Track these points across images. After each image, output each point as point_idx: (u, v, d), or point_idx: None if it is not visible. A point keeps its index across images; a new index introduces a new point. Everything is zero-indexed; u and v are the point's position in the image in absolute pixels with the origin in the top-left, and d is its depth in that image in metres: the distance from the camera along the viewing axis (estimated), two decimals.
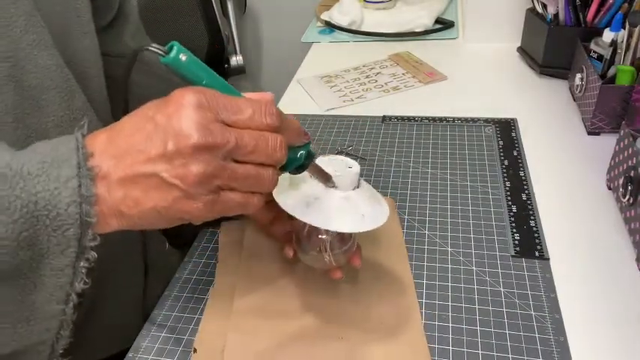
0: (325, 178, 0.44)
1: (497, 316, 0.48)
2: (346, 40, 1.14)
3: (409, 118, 0.81)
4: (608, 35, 0.74)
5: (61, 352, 0.39)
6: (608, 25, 0.76)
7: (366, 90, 0.92)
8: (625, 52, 0.70)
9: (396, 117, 0.81)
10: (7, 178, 0.32)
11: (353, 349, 0.46)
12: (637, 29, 0.68)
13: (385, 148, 0.74)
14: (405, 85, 0.92)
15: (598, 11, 0.80)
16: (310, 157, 0.42)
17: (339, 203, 0.44)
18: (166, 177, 0.33)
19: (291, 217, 0.44)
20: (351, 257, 0.49)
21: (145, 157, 0.34)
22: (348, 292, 0.51)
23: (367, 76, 0.96)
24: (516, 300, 0.49)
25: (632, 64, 0.69)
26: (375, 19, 1.16)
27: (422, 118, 0.80)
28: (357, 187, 0.46)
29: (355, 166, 0.45)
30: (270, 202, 0.45)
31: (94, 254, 0.35)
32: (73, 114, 0.47)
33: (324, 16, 1.20)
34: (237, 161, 0.35)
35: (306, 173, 0.43)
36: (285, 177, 0.43)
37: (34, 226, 0.33)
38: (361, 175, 0.47)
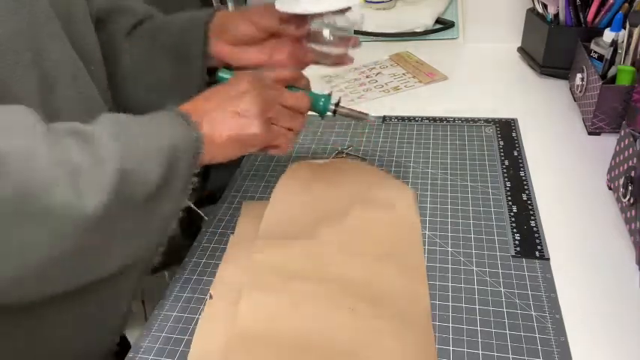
0: (360, 118, 0.60)
1: (497, 316, 0.48)
2: None
3: (409, 118, 0.81)
4: (608, 35, 0.74)
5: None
6: (608, 25, 0.76)
7: (366, 90, 0.91)
8: (625, 52, 0.70)
9: (396, 117, 0.81)
10: (156, 130, 0.44)
11: (362, 322, 0.47)
12: (637, 29, 0.68)
13: (385, 148, 0.74)
14: (405, 85, 0.92)
15: (598, 11, 0.80)
16: (328, 103, 0.58)
17: None
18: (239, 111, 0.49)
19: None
20: (351, 42, 0.60)
21: (230, 97, 0.50)
22: (364, 267, 0.52)
23: (367, 76, 0.96)
24: (517, 300, 0.49)
25: (632, 64, 0.69)
26: (376, 19, 1.16)
27: (422, 118, 0.80)
28: None
29: None
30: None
31: (195, 179, 0.47)
32: (80, 93, 0.51)
33: None
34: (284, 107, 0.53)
35: None
36: None
37: (174, 154, 0.44)
38: None
